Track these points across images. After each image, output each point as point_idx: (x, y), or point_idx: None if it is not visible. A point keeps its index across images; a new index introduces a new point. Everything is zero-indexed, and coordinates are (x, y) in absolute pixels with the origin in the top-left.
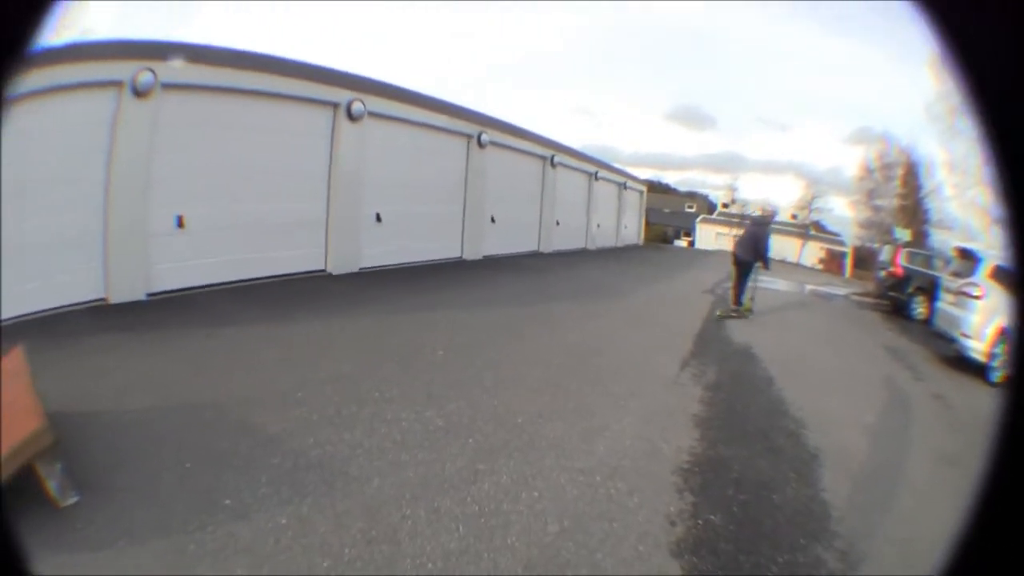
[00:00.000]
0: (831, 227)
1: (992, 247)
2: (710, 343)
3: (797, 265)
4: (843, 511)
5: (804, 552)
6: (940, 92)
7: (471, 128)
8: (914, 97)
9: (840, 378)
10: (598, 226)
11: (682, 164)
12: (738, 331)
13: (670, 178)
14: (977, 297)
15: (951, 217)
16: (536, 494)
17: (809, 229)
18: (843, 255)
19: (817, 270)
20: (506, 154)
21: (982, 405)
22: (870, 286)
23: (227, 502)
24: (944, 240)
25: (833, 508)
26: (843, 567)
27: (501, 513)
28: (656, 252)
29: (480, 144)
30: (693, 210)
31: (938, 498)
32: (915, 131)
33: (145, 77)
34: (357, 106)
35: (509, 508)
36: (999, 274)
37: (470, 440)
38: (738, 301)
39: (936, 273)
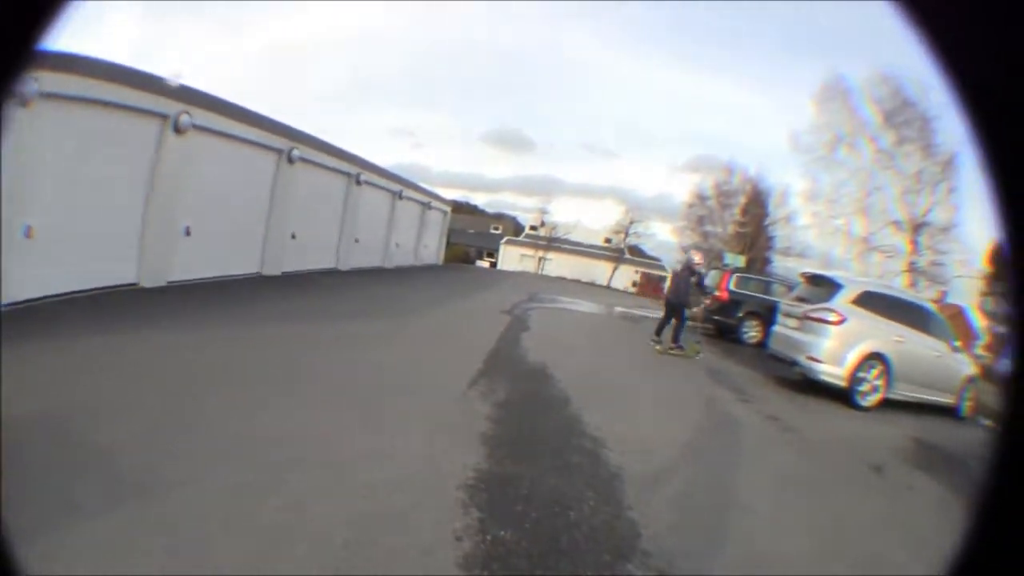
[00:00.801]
0: (651, 252)
1: (863, 274)
2: (502, 362)
3: (608, 288)
4: (657, 530)
5: (612, 569)
6: (816, 124)
7: (283, 143)
8: (774, 129)
9: (649, 399)
10: (397, 245)
11: (494, 186)
12: (535, 352)
13: (479, 199)
14: (833, 323)
15: (804, 245)
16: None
17: (624, 253)
18: (661, 279)
19: (630, 293)
20: (314, 171)
21: (830, 426)
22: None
23: None
24: (789, 267)
25: (643, 527)
26: None
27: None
28: (454, 272)
29: (290, 160)
30: (499, 231)
31: (779, 518)
32: (767, 162)
33: None
34: (184, 118)
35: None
36: (867, 300)
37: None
38: (676, 341)
39: (773, 298)
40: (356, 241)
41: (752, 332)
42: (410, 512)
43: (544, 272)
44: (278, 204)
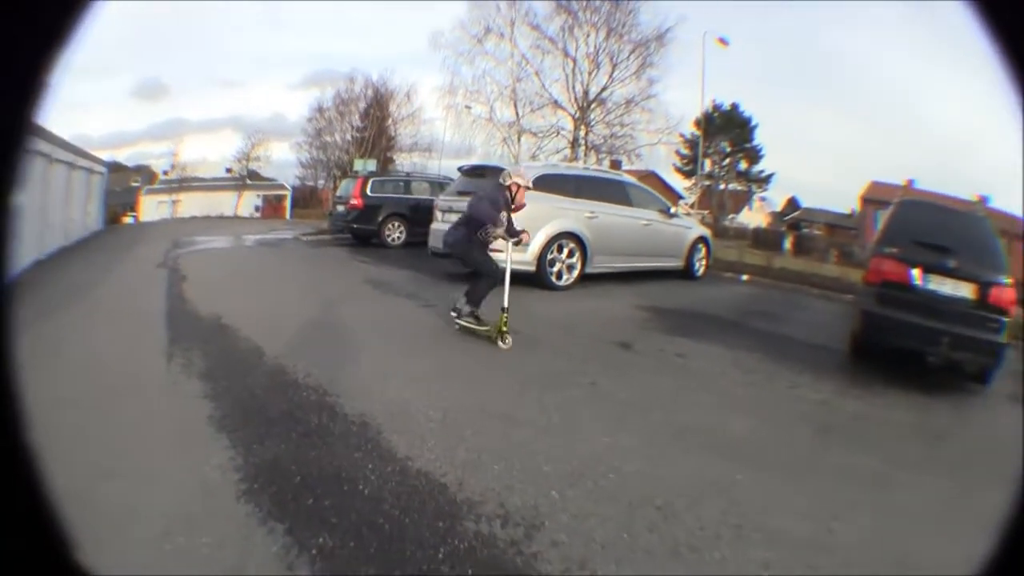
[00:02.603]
0: (270, 174)
1: (513, 158)
2: (183, 325)
3: (236, 218)
4: (458, 472)
5: (460, 537)
6: (466, 20)
7: None
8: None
9: (332, 330)
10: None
11: (132, 139)
12: (203, 304)
13: (122, 155)
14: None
15: (431, 139)
16: None
17: (245, 180)
18: (282, 199)
19: (256, 219)
20: None
21: (546, 315)
22: (323, 223)
23: None
24: (415, 163)
25: (441, 474)
26: (522, 533)
27: None
28: (105, 237)
29: None
30: (139, 184)
31: (571, 420)
32: (400, 66)
33: None
34: None
35: None
36: (545, 183)
37: None
38: (474, 303)
39: (416, 196)
40: None
41: (396, 233)
42: (214, 553)
43: (179, 215)
44: None
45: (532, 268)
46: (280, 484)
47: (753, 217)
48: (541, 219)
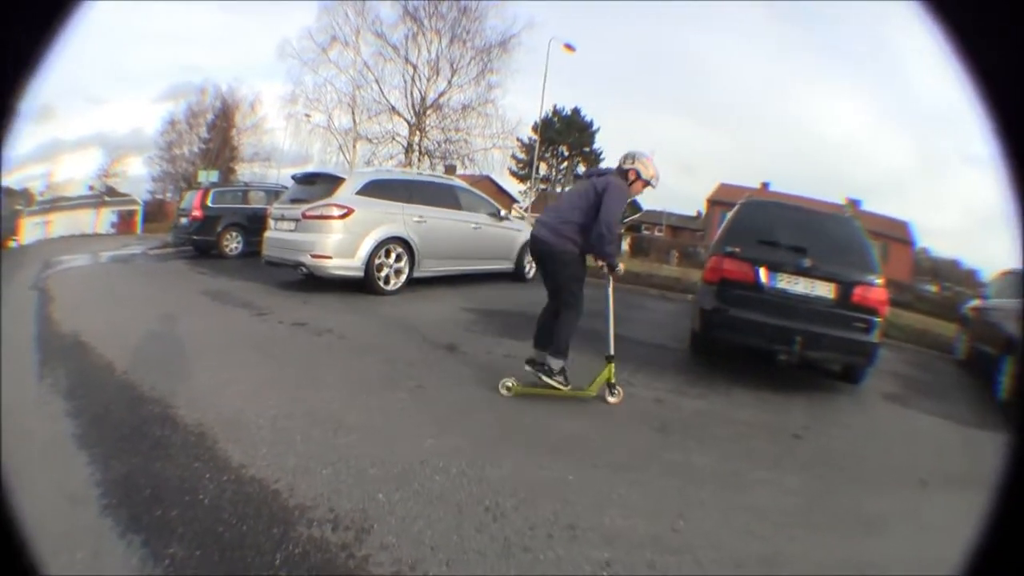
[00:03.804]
0: (126, 189)
1: (351, 165)
2: (51, 344)
3: (95, 235)
4: (289, 478)
5: (294, 542)
6: (314, 28)
7: None
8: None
9: (178, 338)
10: None
11: (20, 162)
12: (66, 323)
13: (11, 179)
14: (338, 217)
15: (271, 148)
16: None
17: (103, 197)
18: (134, 213)
19: (112, 235)
20: None
21: (367, 319)
22: (167, 236)
23: None
24: (255, 173)
25: (274, 481)
26: (352, 536)
27: None
28: None
29: None
30: (20, 208)
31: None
32: (247, 76)
33: None
34: None
35: None
36: (375, 189)
37: None
38: (557, 351)
39: (253, 206)
40: None
41: (234, 243)
42: (92, 564)
43: (50, 235)
44: None
45: (360, 273)
46: (134, 497)
47: None
48: (370, 224)
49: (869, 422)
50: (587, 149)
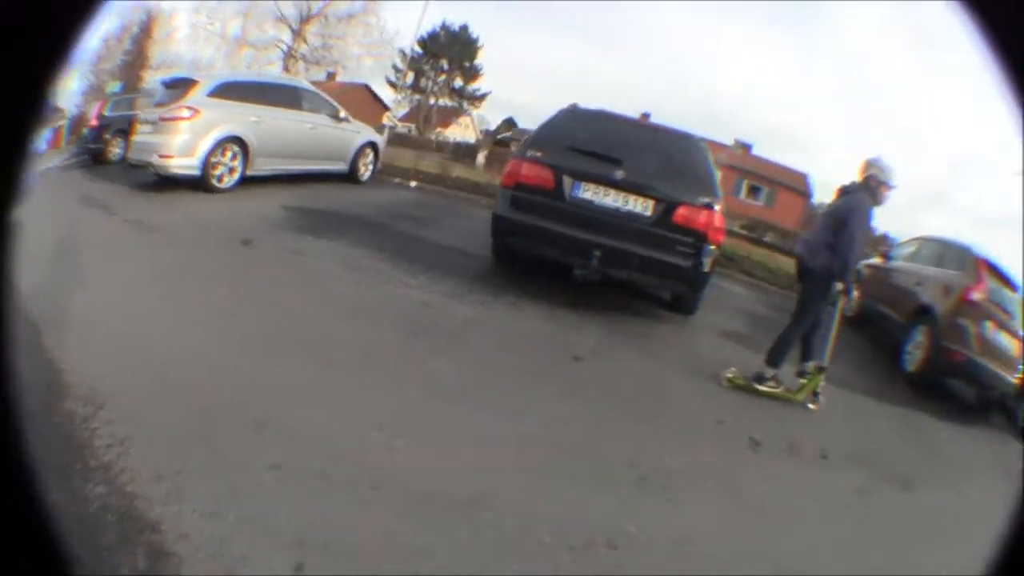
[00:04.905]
0: (64, 104)
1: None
2: None
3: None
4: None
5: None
6: None
7: None
8: None
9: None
10: None
11: None
12: None
13: None
14: (186, 118)
15: (175, 56)
16: None
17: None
18: (61, 128)
19: (45, 151)
20: None
21: (196, 216)
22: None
23: None
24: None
25: (63, 367)
26: (89, 409)
27: None
28: None
29: None
30: None
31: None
32: None
33: None
34: None
35: None
36: (226, 91)
37: None
38: (808, 356)
39: (136, 111)
40: None
41: (117, 149)
42: None
43: None
44: None
45: (198, 172)
46: None
47: (464, 133)
48: (212, 125)
49: (677, 355)
50: (467, 64)
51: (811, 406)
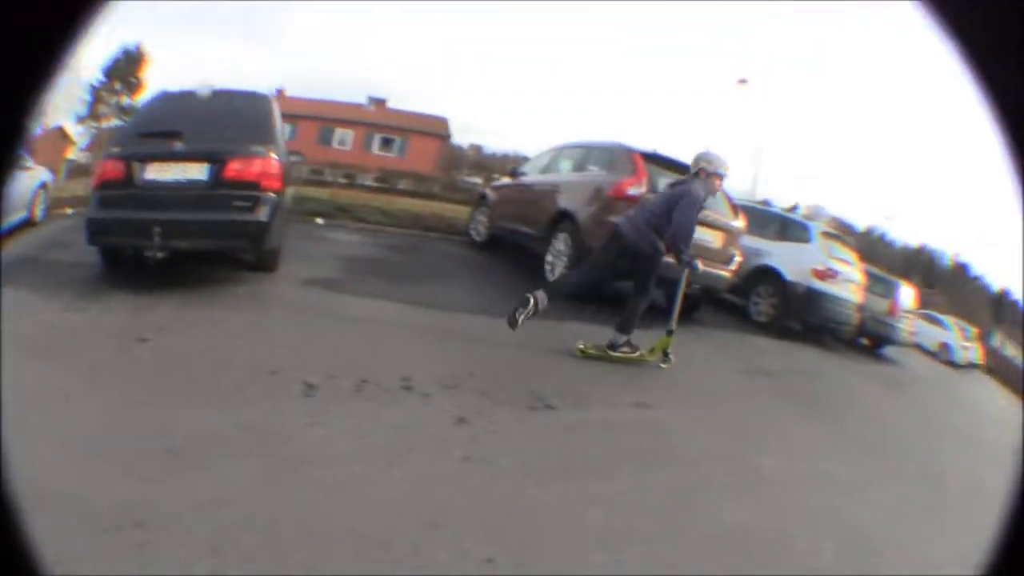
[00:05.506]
0: None
1: None
2: None
3: None
4: None
5: None
6: None
7: None
8: None
9: None
10: None
11: None
12: None
13: None
14: None
15: None
16: None
17: None
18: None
19: None
20: None
21: None
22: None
23: None
24: None
25: None
26: None
27: None
28: None
29: None
30: None
31: None
32: None
33: None
34: None
35: None
36: None
37: None
38: (625, 329)
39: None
40: None
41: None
42: None
43: None
44: None
45: None
46: None
47: None
48: None
49: (253, 317)
50: (132, 79)
51: (663, 365)
